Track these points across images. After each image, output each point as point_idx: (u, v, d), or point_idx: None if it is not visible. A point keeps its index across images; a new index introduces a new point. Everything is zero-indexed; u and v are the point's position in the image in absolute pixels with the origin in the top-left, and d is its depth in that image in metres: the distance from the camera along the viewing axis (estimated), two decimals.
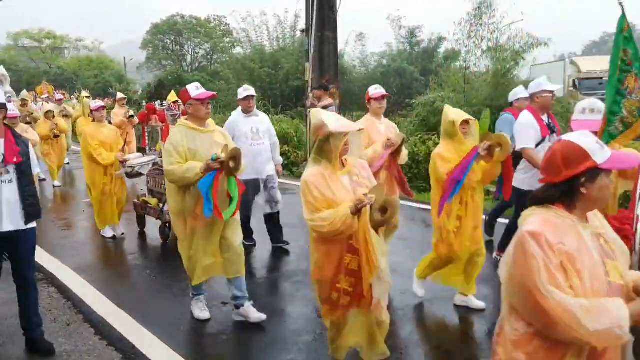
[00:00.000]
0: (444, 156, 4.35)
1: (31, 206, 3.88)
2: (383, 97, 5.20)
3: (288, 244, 6.52)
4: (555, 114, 12.57)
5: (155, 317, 4.60)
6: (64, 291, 5.25)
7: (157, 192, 6.98)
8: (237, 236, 4.42)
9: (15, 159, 3.76)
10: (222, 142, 4.29)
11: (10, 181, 3.77)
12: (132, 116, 10.87)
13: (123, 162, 6.86)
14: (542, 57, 23.23)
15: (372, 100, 5.24)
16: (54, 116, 11.03)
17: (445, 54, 26.78)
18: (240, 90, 6.28)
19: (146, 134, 10.11)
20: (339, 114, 11.15)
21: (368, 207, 2.95)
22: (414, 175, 9.89)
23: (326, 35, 10.17)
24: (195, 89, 4.35)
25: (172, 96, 9.26)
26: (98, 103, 7.23)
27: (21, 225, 3.86)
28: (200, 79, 28.88)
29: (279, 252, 6.42)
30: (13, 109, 8.64)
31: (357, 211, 2.95)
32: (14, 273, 4.04)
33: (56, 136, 10.89)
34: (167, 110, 8.12)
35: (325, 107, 9.76)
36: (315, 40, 10.08)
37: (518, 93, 6.62)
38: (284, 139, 13.63)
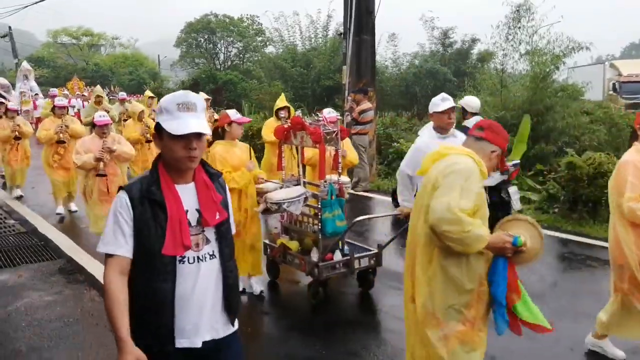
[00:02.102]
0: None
1: (236, 294, 2.38)
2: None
3: None
4: (596, 119, 12.36)
5: None
6: None
7: (297, 230, 5.28)
8: None
9: (217, 216, 2.25)
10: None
11: (212, 256, 2.24)
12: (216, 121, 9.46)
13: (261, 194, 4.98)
14: (579, 60, 22.76)
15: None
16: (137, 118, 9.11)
17: (479, 55, 26.40)
18: (436, 100, 4.48)
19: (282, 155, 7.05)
20: (376, 116, 11.10)
21: None
22: None
23: (364, 39, 10.08)
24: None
25: (282, 101, 7.57)
26: (236, 115, 4.96)
27: (226, 329, 2.31)
28: (233, 77, 29.09)
29: None
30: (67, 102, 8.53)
31: None
32: None
33: (148, 141, 8.88)
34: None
35: (363, 111, 9.76)
36: (353, 44, 10.00)
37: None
38: None
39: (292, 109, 7.42)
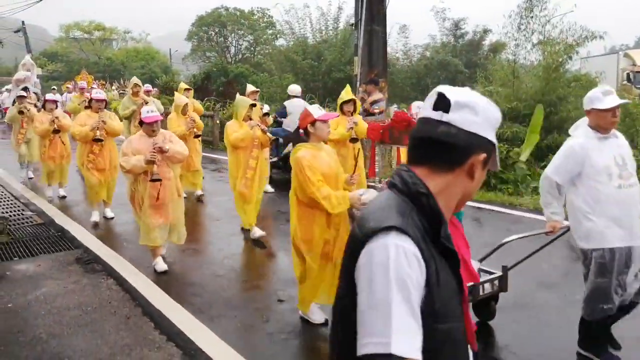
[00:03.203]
0: None
1: None
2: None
3: None
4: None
5: (214, 314, 4.69)
6: (122, 283, 5.38)
7: None
8: None
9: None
10: None
11: None
12: (267, 114, 8.92)
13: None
14: (592, 50, 22.49)
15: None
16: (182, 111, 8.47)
17: (491, 46, 26.25)
18: (595, 94, 3.65)
19: (376, 156, 6.75)
20: (387, 107, 11.11)
21: None
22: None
23: (375, 30, 10.06)
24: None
25: (348, 93, 6.90)
26: (322, 112, 4.16)
27: None
28: (244, 70, 29.13)
29: None
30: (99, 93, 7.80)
31: None
32: None
33: (197, 136, 8.76)
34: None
35: (375, 102, 9.77)
36: (364, 34, 9.99)
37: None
38: None
39: (358, 102, 7.01)
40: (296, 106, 9.67)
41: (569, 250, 5.91)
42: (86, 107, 8.05)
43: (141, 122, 5.52)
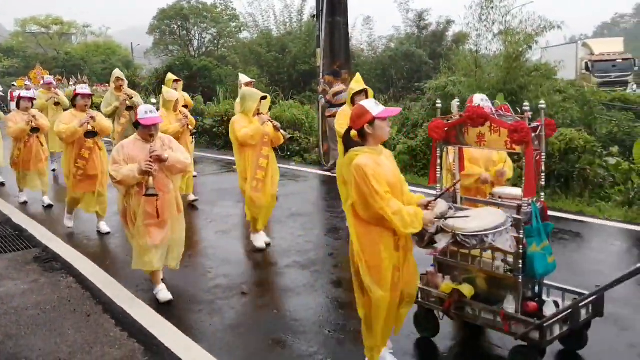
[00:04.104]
0: None
1: None
2: None
3: None
4: (569, 97, 12.54)
5: (176, 308, 4.62)
6: (82, 281, 5.27)
7: (460, 267, 3.79)
8: None
9: None
10: None
11: None
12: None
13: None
14: (552, 40, 23.02)
15: None
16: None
17: (454, 37, 26.57)
18: None
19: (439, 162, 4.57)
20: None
21: None
22: (428, 162, 9.85)
23: (337, 21, 10.07)
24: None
25: (359, 83, 6.17)
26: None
27: None
28: (208, 64, 28.79)
29: (297, 241, 6.41)
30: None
31: None
32: None
33: (192, 134, 8.01)
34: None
35: (337, 93, 9.76)
36: (326, 25, 9.98)
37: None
38: (295, 125, 13.62)
39: (370, 91, 6.18)
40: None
41: None
42: (72, 104, 6.88)
43: (136, 124, 4.65)
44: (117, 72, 9.04)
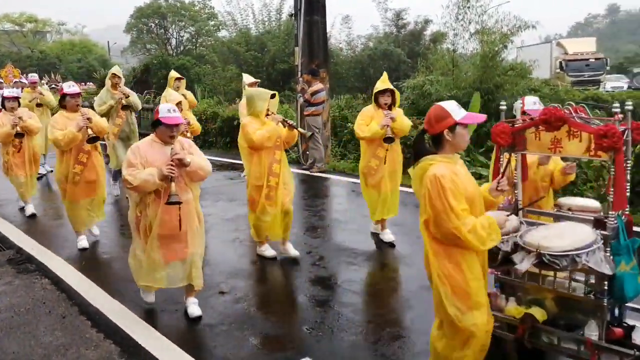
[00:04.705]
0: None
1: None
2: None
3: None
4: (543, 96, 12.75)
5: (154, 308, 4.59)
6: (58, 282, 5.20)
7: (529, 288, 3.38)
8: None
9: None
10: None
11: None
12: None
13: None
14: (528, 40, 23.38)
15: None
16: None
17: (432, 36, 26.80)
18: None
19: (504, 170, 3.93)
20: (329, 97, 11.15)
21: None
22: (406, 160, 9.91)
23: (315, 20, 10.09)
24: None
25: (385, 82, 5.80)
26: None
27: None
28: (186, 62, 28.61)
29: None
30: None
31: None
32: None
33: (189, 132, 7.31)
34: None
35: (315, 92, 9.78)
36: (304, 24, 9.99)
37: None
38: None
39: (397, 93, 5.88)
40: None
41: None
42: (61, 106, 6.05)
43: (155, 123, 4.15)
44: (114, 69, 8.41)
